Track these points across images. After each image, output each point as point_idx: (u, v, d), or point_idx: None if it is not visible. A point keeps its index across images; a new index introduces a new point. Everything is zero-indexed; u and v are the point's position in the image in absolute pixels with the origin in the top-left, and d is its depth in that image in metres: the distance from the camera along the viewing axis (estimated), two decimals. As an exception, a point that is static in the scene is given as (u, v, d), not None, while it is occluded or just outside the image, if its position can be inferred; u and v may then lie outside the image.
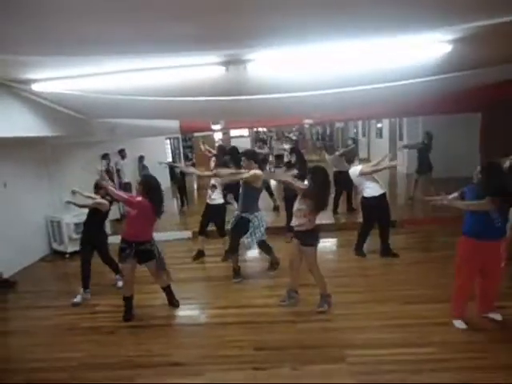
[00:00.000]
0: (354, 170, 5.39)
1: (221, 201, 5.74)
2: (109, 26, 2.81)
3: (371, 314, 3.89)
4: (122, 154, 9.30)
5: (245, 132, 19.93)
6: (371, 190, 5.27)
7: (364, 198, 5.38)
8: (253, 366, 3.24)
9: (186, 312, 4.38)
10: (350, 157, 5.87)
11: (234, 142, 18.36)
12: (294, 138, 19.75)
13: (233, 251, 4.97)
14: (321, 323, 3.81)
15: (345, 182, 6.89)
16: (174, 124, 7.24)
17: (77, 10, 2.48)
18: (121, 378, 3.19)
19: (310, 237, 3.93)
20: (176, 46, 3.33)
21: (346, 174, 5.69)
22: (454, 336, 3.45)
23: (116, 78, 4.12)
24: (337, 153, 7.87)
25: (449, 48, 3.62)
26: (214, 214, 5.79)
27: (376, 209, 5.34)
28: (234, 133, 19.04)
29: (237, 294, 4.64)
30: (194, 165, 13.32)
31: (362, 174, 5.24)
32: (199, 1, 2.49)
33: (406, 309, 3.95)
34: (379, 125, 14.88)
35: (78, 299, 4.69)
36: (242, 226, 4.76)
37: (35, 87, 4.41)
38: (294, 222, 3.99)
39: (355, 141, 9.99)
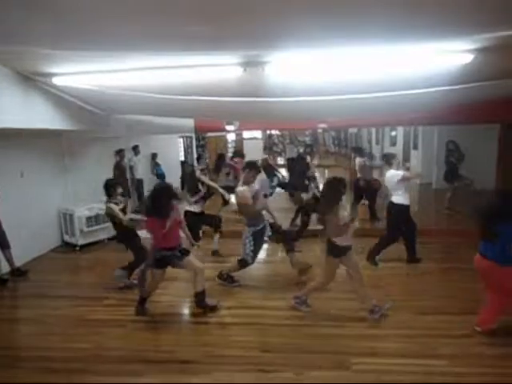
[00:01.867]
0: (394, 174, 5.26)
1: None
2: (130, 23, 2.86)
3: (382, 323, 3.85)
4: (135, 150, 9.41)
5: (258, 134, 19.93)
6: (402, 198, 5.21)
7: (393, 203, 5.29)
8: (258, 368, 3.23)
9: (194, 310, 4.40)
10: (391, 160, 5.59)
11: (246, 144, 18.45)
12: (309, 142, 19.64)
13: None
14: (329, 329, 3.78)
15: (367, 191, 6.78)
16: (189, 123, 7.29)
17: (100, 6, 2.53)
18: (129, 372, 3.21)
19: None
20: (195, 45, 3.38)
21: (369, 182, 5.58)
22: (465, 349, 3.39)
23: (135, 75, 4.19)
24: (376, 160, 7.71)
25: (470, 58, 3.59)
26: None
27: (402, 217, 5.28)
28: (246, 135, 19.07)
29: (245, 294, 4.64)
30: (207, 165, 13.40)
31: (404, 179, 5.17)
32: (219, 2, 2.52)
33: (418, 319, 3.89)
34: (393, 133, 14.75)
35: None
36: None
37: (56, 81, 4.49)
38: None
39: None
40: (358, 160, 7.97)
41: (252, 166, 4.72)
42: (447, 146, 8.00)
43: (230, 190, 6.08)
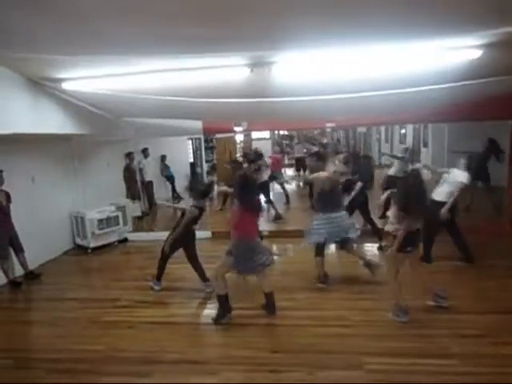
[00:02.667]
0: (462, 175, 5.09)
1: None
2: (138, 27, 2.88)
3: (392, 322, 3.81)
4: (145, 153, 9.48)
5: (266, 134, 19.91)
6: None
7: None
8: (268, 368, 3.23)
9: (204, 311, 4.42)
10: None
11: (255, 144, 18.44)
12: (325, 141, 19.34)
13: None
14: (339, 329, 3.77)
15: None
16: (197, 124, 7.32)
17: (107, 11, 2.56)
18: (139, 373, 3.24)
19: None
20: (202, 47, 3.39)
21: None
22: (477, 349, 3.35)
23: (143, 78, 4.21)
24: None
25: (479, 53, 3.54)
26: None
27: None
28: (255, 135, 19.07)
29: (255, 295, 4.63)
30: (214, 166, 13.45)
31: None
32: (226, 3, 2.52)
33: (429, 318, 3.86)
34: (403, 131, 14.64)
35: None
36: None
37: (65, 86, 4.55)
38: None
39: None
40: (400, 155, 7.78)
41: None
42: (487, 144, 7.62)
43: None
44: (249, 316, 4.11)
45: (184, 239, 4.59)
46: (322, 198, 4.66)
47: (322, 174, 4.65)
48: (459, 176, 5.07)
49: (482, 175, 7.47)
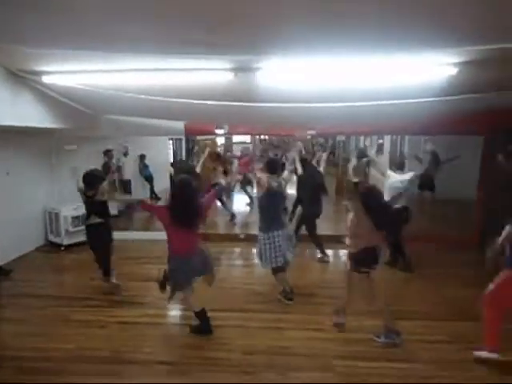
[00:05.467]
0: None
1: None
2: (122, 24, 2.87)
3: (363, 327, 3.90)
4: (124, 151, 9.36)
5: (247, 138, 19.98)
6: None
7: None
8: (240, 369, 3.26)
9: (176, 312, 4.40)
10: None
11: (235, 148, 18.47)
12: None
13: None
14: (311, 332, 3.84)
15: None
16: (179, 125, 7.30)
17: (91, 6, 2.54)
18: (109, 373, 3.21)
19: None
20: (187, 49, 3.40)
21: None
22: (442, 354, 3.48)
23: (126, 75, 4.18)
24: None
25: (454, 71, 3.70)
26: None
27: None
28: (236, 139, 19.11)
29: (228, 297, 4.66)
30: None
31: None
32: (212, 8, 2.56)
33: (398, 324, 3.97)
34: (380, 141, 14.98)
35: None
36: None
37: (46, 79, 4.47)
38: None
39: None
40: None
41: None
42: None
43: None
44: (221, 318, 4.12)
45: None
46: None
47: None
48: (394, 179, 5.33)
49: (429, 185, 8.12)
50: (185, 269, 3.59)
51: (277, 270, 4.47)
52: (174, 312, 4.41)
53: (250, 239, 6.80)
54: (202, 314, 3.80)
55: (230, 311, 4.30)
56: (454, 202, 8.31)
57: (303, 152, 6.33)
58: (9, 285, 5.10)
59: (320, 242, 5.97)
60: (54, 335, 3.82)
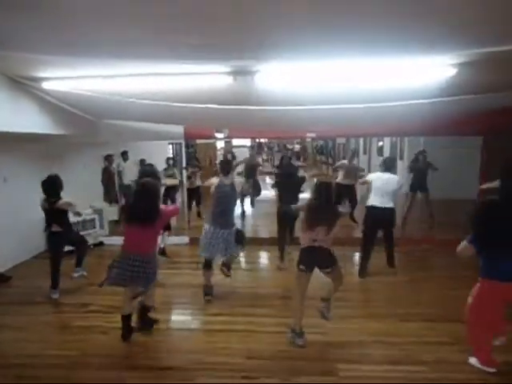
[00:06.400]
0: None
1: None
2: (121, 30, 2.87)
3: (366, 330, 3.88)
4: (124, 156, 9.36)
5: (247, 142, 20.04)
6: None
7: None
8: (242, 374, 3.23)
9: (178, 317, 4.38)
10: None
11: (235, 152, 18.49)
12: (296, 149, 19.80)
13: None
14: (314, 336, 3.79)
15: None
16: (179, 129, 7.30)
17: (91, 12, 2.54)
18: (112, 379, 3.18)
19: None
20: (186, 53, 3.41)
21: None
22: (447, 356, 3.45)
23: (125, 80, 4.19)
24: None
25: (453, 72, 3.70)
26: None
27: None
28: (236, 142, 19.17)
29: (230, 301, 4.64)
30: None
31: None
32: (211, 12, 2.56)
33: (402, 326, 3.96)
34: (380, 143, 14.98)
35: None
36: None
37: (45, 85, 4.47)
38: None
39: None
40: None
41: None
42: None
43: None
44: (222, 322, 4.10)
45: None
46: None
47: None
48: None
49: (422, 186, 8.06)
50: (123, 265, 3.60)
51: (204, 265, 4.67)
52: (175, 317, 4.39)
53: (250, 242, 6.81)
54: (125, 319, 3.76)
55: (230, 315, 4.27)
56: (452, 202, 8.28)
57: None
58: (9, 292, 5.08)
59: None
60: (55, 342, 3.80)
